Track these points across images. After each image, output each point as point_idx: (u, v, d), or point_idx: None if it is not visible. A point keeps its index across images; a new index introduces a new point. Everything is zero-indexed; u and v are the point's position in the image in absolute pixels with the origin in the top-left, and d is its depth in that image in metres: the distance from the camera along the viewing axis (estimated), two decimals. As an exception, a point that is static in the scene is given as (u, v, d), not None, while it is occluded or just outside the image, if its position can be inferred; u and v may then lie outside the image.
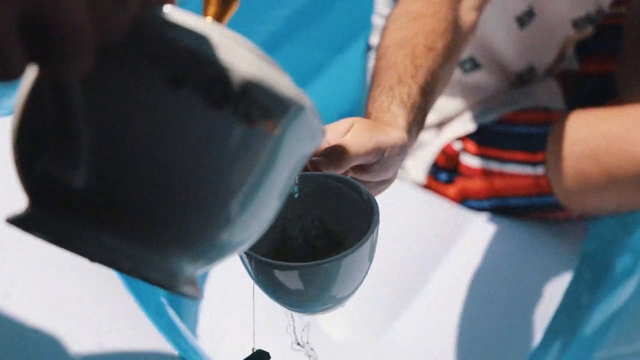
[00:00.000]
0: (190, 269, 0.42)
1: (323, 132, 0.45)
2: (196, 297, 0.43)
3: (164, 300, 0.90)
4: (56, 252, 0.81)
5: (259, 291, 0.61)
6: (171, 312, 0.89)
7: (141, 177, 0.37)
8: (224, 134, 0.38)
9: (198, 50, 0.38)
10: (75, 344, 0.76)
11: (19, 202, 0.84)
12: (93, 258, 0.38)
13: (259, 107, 0.39)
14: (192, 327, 1.06)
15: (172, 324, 0.86)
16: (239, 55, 0.39)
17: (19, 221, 0.40)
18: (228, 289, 1.10)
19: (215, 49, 0.38)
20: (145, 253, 0.39)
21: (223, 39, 0.39)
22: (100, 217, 0.38)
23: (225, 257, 0.44)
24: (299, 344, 0.72)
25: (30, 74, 0.40)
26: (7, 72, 0.32)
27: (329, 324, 1.09)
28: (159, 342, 0.80)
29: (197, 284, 0.44)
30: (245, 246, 0.44)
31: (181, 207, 0.39)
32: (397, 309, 1.12)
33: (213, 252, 0.42)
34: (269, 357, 0.68)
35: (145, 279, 0.40)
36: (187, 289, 0.41)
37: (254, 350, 0.69)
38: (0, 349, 0.75)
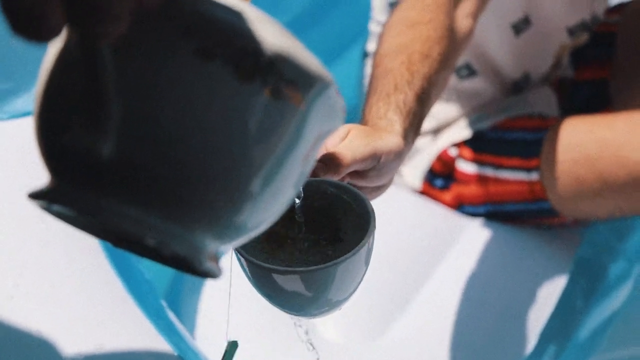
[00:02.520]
0: (214, 245, 0.42)
1: (344, 112, 0.45)
2: (217, 275, 0.42)
3: (163, 303, 0.91)
4: (58, 255, 0.81)
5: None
6: (171, 314, 0.90)
7: (169, 149, 0.37)
8: (252, 107, 0.39)
9: (229, 23, 0.38)
10: (76, 345, 0.77)
11: (19, 202, 0.84)
12: (118, 230, 0.38)
13: (287, 81, 0.39)
14: (191, 329, 1.06)
15: (172, 326, 0.87)
16: (268, 29, 0.39)
17: (42, 195, 0.39)
18: (227, 291, 1.10)
19: (246, 22, 0.38)
20: (171, 226, 0.39)
21: (252, 14, 0.39)
22: (126, 189, 0.38)
23: (246, 236, 0.43)
24: (311, 344, 0.72)
25: (59, 42, 0.39)
26: (43, 32, 0.32)
27: (326, 328, 1.09)
28: (159, 344, 0.80)
29: (218, 262, 0.43)
30: (266, 225, 0.44)
31: (207, 180, 0.38)
32: (392, 313, 1.13)
33: (235, 229, 0.42)
34: (237, 346, 0.68)
35: (170, 253, 0.39)
36: (211, 265, 0.41)
37: (228, 342, 0.69)
38: (3, 349, 0.75)
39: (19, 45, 0.96)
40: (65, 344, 0.76)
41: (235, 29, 0.38)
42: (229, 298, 0.62)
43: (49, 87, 0.39)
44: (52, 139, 0.40)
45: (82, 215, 0.39)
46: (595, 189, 1.14)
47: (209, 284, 1.12)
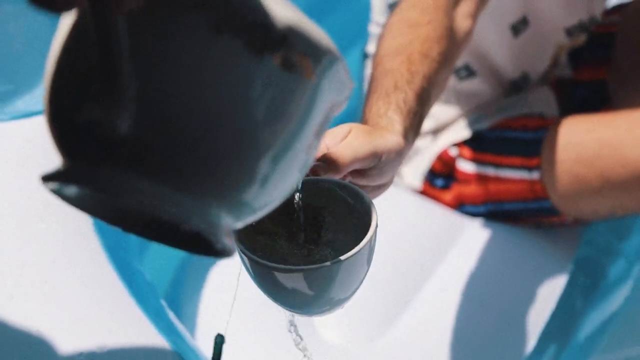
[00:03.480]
0: (229, 221, 0.42)
1: (352, 87, 0.46)
2: (232, 253, 0.42)
3: (163, 303, 0.91)
4: (58, 255, 0.82)
5: (256, 291, 0.62)
6: (171, 315, 0.90)
7: (183, 121, 0.37)
8: (265, 79, 0.39)
9: None
10: (76, 345, 0.77)
11: (19, 202, 0.84)
12: (135, 207, 0.38)
13: (298, 54, 0.40)
14: (191, 329, 1.07)
15: (172, 326, 0.87)
16: (278, 4, 0.39)
17: (56, 176, 0.39)
18: (227, 291, 1.11)
19: None
20: (188, 200, 0.39)
21: None
22: (143, 164, 0.38)
23: (261, 208, 0.43)
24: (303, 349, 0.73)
25: (70, 17, 0.39)
26: (58, 2, 0.32)
27: (325, 328, 1.09)
28: (159, 344, 0.81)
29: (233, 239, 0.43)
30: (280, 198, 0.44)
31: (224, 151, 0.38)
32: (392, 314, 1.13)
33: (251, 201, 0.42)
34: (223, 340, 0.69)
35: (188, 229, 0.39)
36: (226, 242, 0.41)
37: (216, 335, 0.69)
38: (3, 349, 0.75)
39: (19, 48, 0.96)
40: (65, 344, 0.76)
41: (246, 3, 0.38)
42: (234, 296, 0.62)
43: (61, 64, 0.39)
44: (65, 117, 0.39)
45: (98, 193, 0.38)
46: (596, 187, 1.14)
47: (208, 285, 1.12)
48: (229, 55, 0.38)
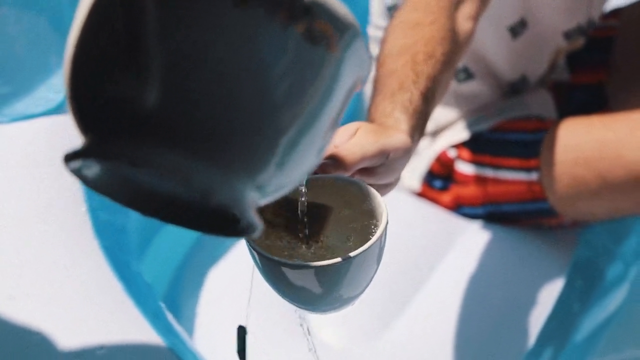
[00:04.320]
0: (254, 196, 0.41)
1: (370, 65, 0.46)
2: (258, 228, 0.41)
3: (162, 305, 0.91)
4: (57, 256, 0.82)
5: (256, 289, 0.62)
6: (169, 316, 0.90)
7: (210, 92, 0.37)
8: (288, 52, 0.39)
9: None
10: (75, 345, 0.77)
11: (20, 204, 0.85)
12: (163, 176, 0.38)
13: (322, 26, 0.40)
14: (190, 330, 1.07)
15: (170, 327, 0.87)
16: None
17: (81, 153, 0.39)
18: (225, 293, 1.11)
19: None
20: (213, 173, 0.39)
21: None
22: (169, 136, 0.38)
23: (284, 183, 0.43)
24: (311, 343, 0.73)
25: None
26: None
27: (324, 329, 1.10)
28: (158, 345, 0.81)
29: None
30: (301, 179, 0.44)
31: (246, 125, 0.38)
32: (391, 315, 1.13)
33: (273, 179, 0.41)
34: (245, 332, 0.69)
35: (215, 203, 0.39)
36: (253, 217, 0.41)
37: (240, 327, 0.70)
38: (3, 349, 0.75)
39: (19, 50, 0.96)
40: (64, 345, 0.77)
41: None
42: (250, 289, 0.62)
43: (83, 39, 0.39)
44: (88, 93, 0.39)
45: (124, 167, 0.38)
46: (594, 189, 1.14)
47: (207, 287, 1.12)
48: (254, 25, 0.38)
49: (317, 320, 1.10)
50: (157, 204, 0.43)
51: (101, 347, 0.77)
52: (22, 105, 0.96)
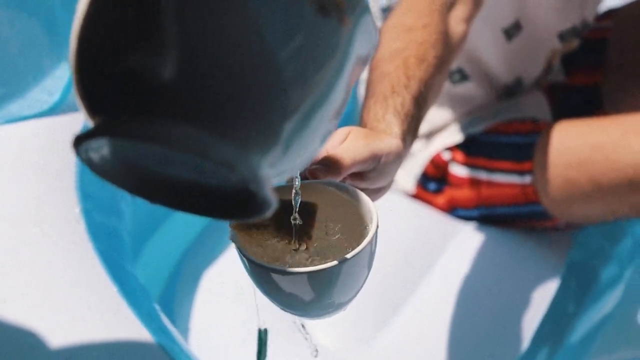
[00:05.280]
0: (268, 173, 0.41)
1: (377, 41, 0.45)
2: (274, 204, 0.41)
3: (156, 307, 0.91)
4: (51, 259, 0.82)
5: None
6: (164, 318, 0.90)
7: (225, 64, 0.37)
8: (301, 24, 0.39)
9: None
10: (68, 347, 0.77)
11: (14, 206, 0.84)
12: (181, 148, 0.37)
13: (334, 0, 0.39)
14: (184, 332, 1.07)
15: (165, 329, 0.87)
16: None
17: (93, 133, 0.38)
18: (219, 296, 1.11)
19: None
20: (231, 147, 0.38)
21: None
22: (185, 111, 0.37)
23: (297, 160, 0.43)
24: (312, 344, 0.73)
25: None
26: None
27: (319, 333, 1.10)
28: (152, 347, 0.81)
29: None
30: (305, 163, 0.44)
31: (261, 98, 0.38)
32: (385, 318, 1.13)
33: (291, 148, 0.41)
34: (267, 334, 0.69)
35: (232, 178, 0.39)
36: (269, 193, 0.40)
37: (260, 330, 0.69)
38: (-4, 352, 0.75)
39: (13, 52, 0.96)
40: (59, 347, 0.76)
41: None
42: (254, 291, 0.62)
43: (91, 14, 0.38)
44: (98, 68, 0.38)
45: (144, 141, 0.37)
46: (588, 192, 1.14)
47: (201, 288, 1.12)
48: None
49: (312, 322, 1.10)
50: (164, 190, 0.42)
51: (95, 349, 0.77)
52: (16, 107, 0.96)
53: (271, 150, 0.40)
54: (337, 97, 0.42)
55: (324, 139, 0.44)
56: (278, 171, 0.42)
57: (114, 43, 0.37)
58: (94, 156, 0.40)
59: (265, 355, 0.70)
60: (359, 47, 0.43)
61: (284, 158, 0.41)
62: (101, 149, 0.40)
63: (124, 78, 0.37)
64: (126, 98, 0.37)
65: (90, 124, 0.40)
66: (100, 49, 0.38)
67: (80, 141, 0.38)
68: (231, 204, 0.42)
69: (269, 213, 0.41)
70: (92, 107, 0.39)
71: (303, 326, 0.71)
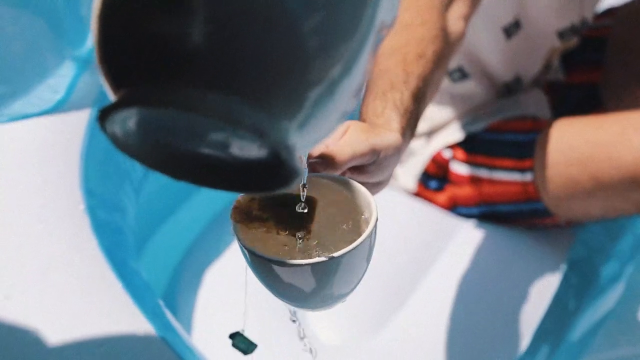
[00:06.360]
0: (296, 141, 0.40)
1: (397, 8, 0.45)
2: (301, 174, 0.40)
3: (160, 302, 0.91)
4: (55, 256, 0.82)
5: (254, 289, 0.63)
6: (168, 313, 0.90)
7: (255, 32, 0.36)
8: None
9: None
10: (73, 343, 0.77)
11: (18, 203, 0.85)
12: (212, 115, 0.36)
13: None
14: (188, 327, 1.07)
15: (169, 324, 0.87)
16: None
17: (120, 103, 0.37)
18: (222, 291, 1.11)
19: None
20: (262, 114, 0.37)
21: None
22: (214, 77, 0.36)
23: (325, 126, 0.42)
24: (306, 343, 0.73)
25: None
26: None
27: (320, 329, 1.10)
28: (156, 342, 0.81)
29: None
30: (333, 130, 0.43)
31: (291, 66, 0.37)
32: (386, 314, 1.13)
33: (318, 117, 0.40)
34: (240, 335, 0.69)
35: (264, 146, 0.38)
36: (298, 161, 0.40)
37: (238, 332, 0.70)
38: (2, 347, 0.76)
39: (16, 50, 0.96)
40: (64, 343, 0.77)
41: None
42: (245, 290, 0.63)
43: None
44: (124, 36, 0.37)
45: (173, 108, 0.36)
46: (588, 189, 1.15)
47: (205, 284, 1.13)
48: None
49: (312, 318, 1.10)
50: (188, 167, 0.41)
51: (99, 345, 0.78)
52: (20, 105, 0.97)
53: (297, 118, 0.39)
54: (359, 70, 0.41)
55: (341, 117, 0.43)
56: (302, 142, 0.41)
57: (140, 9, 0.36)
58: (118, 131, 0.39)
59: (248, 345, 0.69)
60: (384, 11, 0.42)
61: (305, 129, 0.40)
62: (126, 122, 0.39)
63: (151, 45, 0.36)
64: (153, 66, 0.37)
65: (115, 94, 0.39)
66: (125, 17, 0.37)
67: (106, 114, 0.37)
68: (255, 177, 0.41)
69: (295, 183, 0.40)
70: (117, 81, 0.38)
71: (300, 326, 0.71)
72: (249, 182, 0.42)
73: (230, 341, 0.68)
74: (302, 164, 0.41)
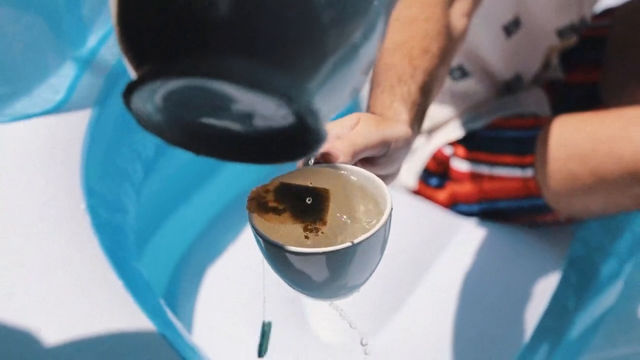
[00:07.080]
0: (320, 107, 0.40)
1: None
2: (325, 138, 0.40)
3: (161, 301, 0.92)
4: (56, 255, 0.82)
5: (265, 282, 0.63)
6: (169, 312, 0.91)
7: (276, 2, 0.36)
8: None
9: None
10: (74, 342, 0.78)
11: (19, 203, 0.85)
12: (239, 82, 0.36)
13: None
14: (189, 326, 1.07)
15: (170, 323, 0.88)
16: None
17: (146, 77, 0.37)
18: (223, 290, 1.12)
19: None
20: (289, 80, 0.38)
21: None
22: (242, 44, 0.36)
23: (342, 104, 0.43)
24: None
25: None
26: None
27: (319, 327, 1.10)
28: (157, 341, 0.81)
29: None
30: (344, 104, 0.43)
31: (315, 33, 0.38)
32: (387, 312, 1.14)
33: (343, 82, 0.41)
34: (270, 327, 0.70)
35: (291, 111, 0.38)
36: (324, 126, 0.40)
37: (264, 323, 0.70)
38: (4, 345, 0.76)
39: (17, 50, 0.97)
40: (64, 342, 0.77)
41: None
42: (263, 278, 0.63)
43: None
44: (149, 8, 0.37)
45: (203, 76, 0.36)
46: (589, 184, 1.15)
47: (206, 283, 1.13)
48: None
49: (312, 316, 1.11)
50: (211, 141, 0.42)
51: (102, 343, 0.78)
52: (21, 105, 0.97)
53: (319, 82, 0.39)
54: (375, 38, 0.42)
55: (353, 92, 0.43)
56: (324, 109, 0.41)
57: None
58: (142, 108, 0.39)
59: (266, 349, 0.70)
60: None
61: (326, 95, 0.41)
62: (150, 99, 0.39)
63: (175, 16, 0.36)
64: (178, 37, 0.37)
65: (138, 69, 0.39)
66: None
67: (131, 89, 0.37)
68: (277, 147, 0.41)
69: (320, 148, 0.41)
70: (140, 58, 0.38)
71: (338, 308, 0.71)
72: (272, 152, 0.42)
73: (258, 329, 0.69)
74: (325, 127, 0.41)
